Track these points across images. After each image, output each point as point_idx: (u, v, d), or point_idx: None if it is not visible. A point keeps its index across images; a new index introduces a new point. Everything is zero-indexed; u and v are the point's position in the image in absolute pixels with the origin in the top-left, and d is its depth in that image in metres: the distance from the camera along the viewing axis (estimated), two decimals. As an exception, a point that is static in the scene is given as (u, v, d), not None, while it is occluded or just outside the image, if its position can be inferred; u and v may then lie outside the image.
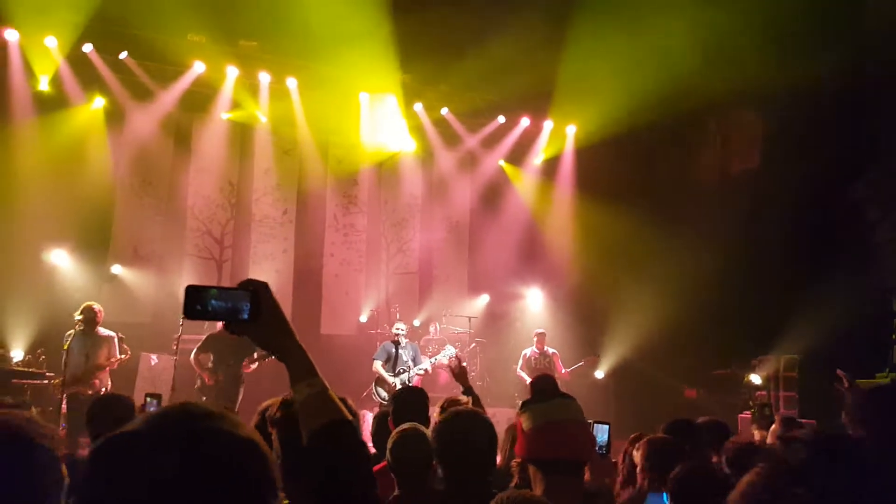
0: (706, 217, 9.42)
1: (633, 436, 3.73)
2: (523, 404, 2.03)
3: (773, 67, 8.94)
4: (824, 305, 7.47)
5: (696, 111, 9.61)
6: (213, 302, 1.09)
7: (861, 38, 8.27)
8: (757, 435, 5.46)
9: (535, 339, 8.71)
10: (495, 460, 2.25)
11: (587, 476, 1.92)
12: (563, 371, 8.47)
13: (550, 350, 8.69)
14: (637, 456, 3.07)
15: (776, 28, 8.95)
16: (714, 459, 3.37)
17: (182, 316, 1.11)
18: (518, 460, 3.28)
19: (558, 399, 1.98)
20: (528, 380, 8.24)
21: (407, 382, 7.63)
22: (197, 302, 1.09)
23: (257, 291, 1.10)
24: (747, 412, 7.59)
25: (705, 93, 9.24)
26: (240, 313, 1.09)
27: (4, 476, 0.93)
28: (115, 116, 9.44)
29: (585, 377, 9.04)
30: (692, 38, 8.91)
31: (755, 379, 8.31)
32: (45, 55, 8.76)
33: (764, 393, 8.16)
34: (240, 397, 6.91)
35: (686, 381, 9.26)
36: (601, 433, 2.80)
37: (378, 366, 7.92)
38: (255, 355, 6.82)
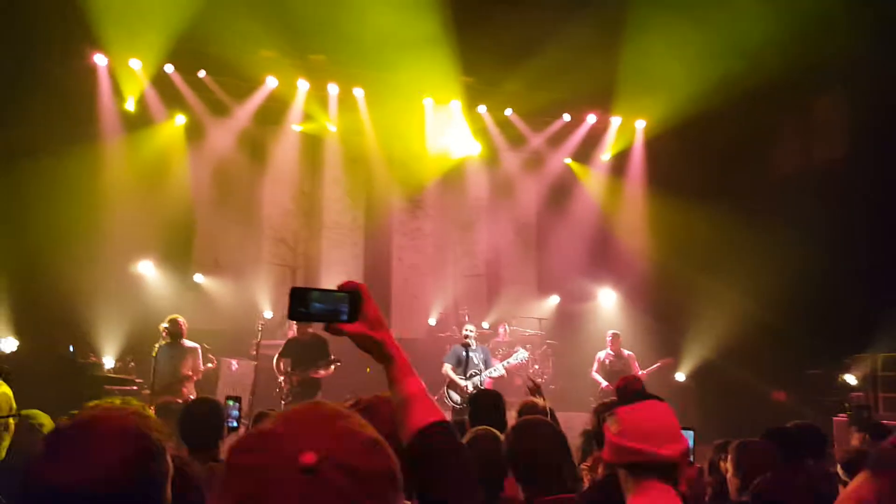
0: (789, 209, 8.97)
1: (717, 442, 3.57)
2: (611, 405, 1.99)
3: (856, 49, 8.45)
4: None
5: (775, 98, 9.17)
6: (315, 304, 1.12)
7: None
8: (855, 439, 5.16)
9: (609, 340, 8.48)
10: (566, 466, 2.19)
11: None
12: (640, 373, 8.23)
13: (626, 352, 8.44)
14: (725, 465, 2.95)
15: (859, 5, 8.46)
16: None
17: (286, 317, 1.16)
18: (588, 464, 3.22)
19: (648, 400, 1.90)
20: (604, 383, 8.08)
21: (479, 386, 7.60)
22: (300, 304, 1.12)
23: (357, 293, 1.13)
24: (843, 415, 7.16)
25: (784, 78, 8.83)
26: (340, 315, 1.11)
27: (119, 464, 0.98)
28: (195, 132, 9.92)
29: (665, 380, 8.73)
30: (766, 18, 8.50)
31: (850, 379, 7.83)
32: (131, 76, 9.31)
33: (861, 394, 7.68)
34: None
35: (773, 382, 8.82)
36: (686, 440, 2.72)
37: (448, 369, 7.91)
38: (324, 362, 6.99)
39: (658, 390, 8.25)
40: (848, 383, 7.78)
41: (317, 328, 7.05)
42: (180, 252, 9.86)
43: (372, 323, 1.12)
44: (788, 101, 9.47)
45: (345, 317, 1.12)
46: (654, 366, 8.58)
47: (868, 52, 8.17)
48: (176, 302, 9.06)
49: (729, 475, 2.88)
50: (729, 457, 2.93)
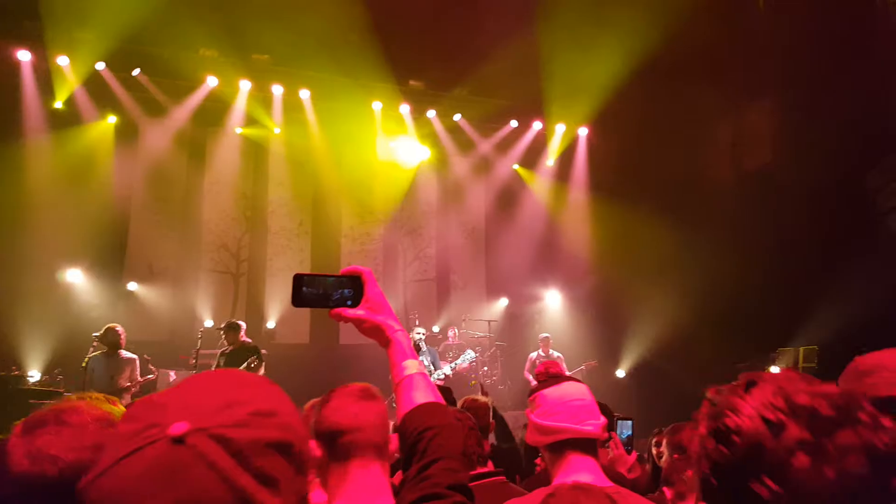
0: (721, 214, 9.49)
1: (655, 431, 3.75)
2: (531, 392, 2.03)
3: (784, 62, 9.09)
4: (841, 295, 7.54)
5: (707, 108, 9.70)
6: (318, 290, 1.10)
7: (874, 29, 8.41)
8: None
9: (541, 342, 8.75)
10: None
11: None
12: (567, 375, 8.48)
13: (555, 353, 8.73)
14: (660, 449, 3.09)
15: (785, 23, 9.11)
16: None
17: (291, 304, 1.11)
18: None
19: (565, 381, 1.93)
20: (534, 382, 8.27)
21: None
22: (303, 290, 1.09)
23: (359, 278, 1.11)
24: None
25: (715, 89, 9.37)
26: (344, 300, 1.10)
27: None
28: (128, 133, 9.45)
29: (605, 378, 9.04)
30: (699, 33, 9.01)
31: (774, 370, 8.32)
32: (59, 74, 8.77)
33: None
34: None
35: (707, 377, 9.25)
36: (625, 429, 2.79)
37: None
38: (252, 361, 6.81)
39: (598, 387, 8.56)
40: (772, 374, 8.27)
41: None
42: (112, 258, 9.33)
43: (374, 307, 1.11)
44: (720, 112, 10.04)
45: (349, 302, 1.10)
46: (580, 368, 8.89)
47: (789, 67, 8.80)
48: (108, 311, 8.59)
49: (664, 457, 3.00)
50: (664, 441, 3.03)
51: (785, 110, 9.40)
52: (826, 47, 8.73)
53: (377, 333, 1.12)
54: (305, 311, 10.31)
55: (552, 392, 1.85)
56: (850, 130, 8.57)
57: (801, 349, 8.57)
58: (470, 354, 8.21)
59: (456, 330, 9.72)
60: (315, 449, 0.75)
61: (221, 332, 6.86)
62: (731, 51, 9.23)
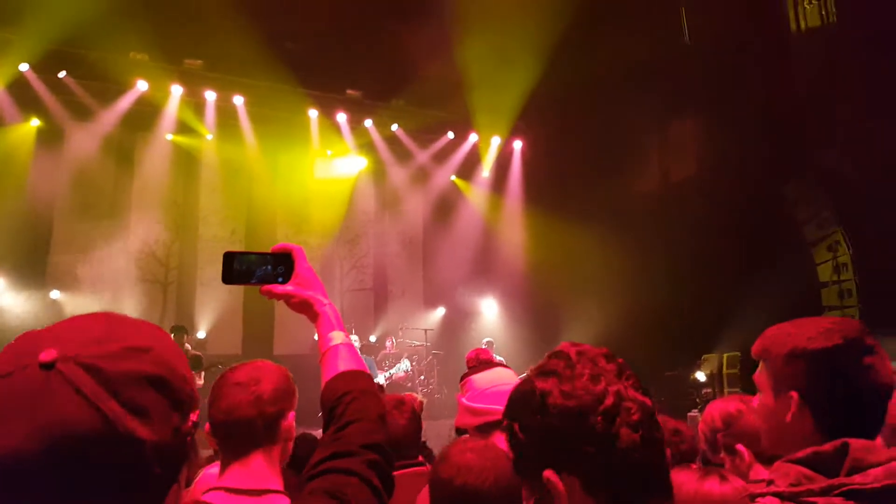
0: (649, 224, 9.76)
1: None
2: (462, 377, 2.06)
3: (706, 80, 9.51)
4: (761, 301, 7.81)
5: (636, 122, 10.03)
6: (251, 267, 1.11)
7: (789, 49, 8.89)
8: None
9: (484, 347, 8.76)
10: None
11: None
12: (496, 361, 8.55)
13: (498, 358, 8.76)
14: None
15: (708, 44, 9.55)
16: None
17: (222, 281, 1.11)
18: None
19: (494, 367, 2.01)
20: None
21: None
22: (234, 268, 1.10)
23: (291, 255, 1.12)
24: (695, 410, 7.79)
25: (644, 104, 9.72)
26: (276, 277, 1.11)
27: None
28: (53, 137, 9.16)
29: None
30: (627, 52, 9.36)
31: (700, 376, 8.57)
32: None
33: (710, 390, 8.40)
34: None
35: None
36: None
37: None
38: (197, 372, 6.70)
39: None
40: (698, 380, 8.49)
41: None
42: (33, 266, 8.98)
43: (303, 283, 1.12)
44: (647, 126, 10.40)
45: (280, 279, 1.11)
46: (523, 374, 8.93)
47: (712, 83, 9.20)
48: (29, 319, 8.25)
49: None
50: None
51: (709, 124, 9.79)
52: (747, 66, 9.19)
53: (306, 308, 1.13)
54: (238, 321, 10.11)
55: (482, 377, 1.91)
56: (769, 144, 8.99)
57: (725, 355, 8.83)
58: (405, 364, 8.19)
59: (393, 339, 9.68)
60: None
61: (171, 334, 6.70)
62: (658, 67, 9.60)
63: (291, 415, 1.46)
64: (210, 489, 1.38)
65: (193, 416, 0.70)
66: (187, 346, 6.81)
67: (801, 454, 1.10)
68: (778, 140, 8.93)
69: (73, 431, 0.58)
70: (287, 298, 1.12)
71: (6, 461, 0.58)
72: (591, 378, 0.85)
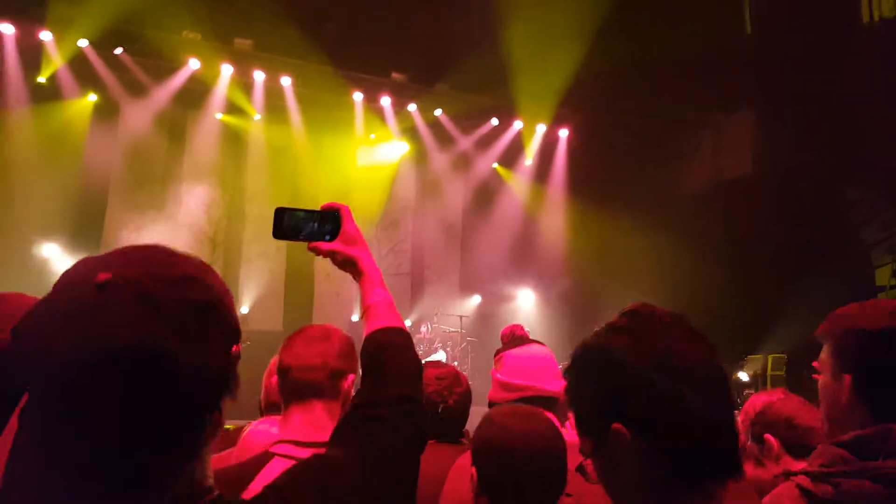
0: (699, 221, 9.48)
1: None
2: (497, 351, 2.05)
3: (765, 73, 9.11)
4: (811, 304, 7.50)
5: (689, 117, 9.71)
6: (300, 223, 1.15)
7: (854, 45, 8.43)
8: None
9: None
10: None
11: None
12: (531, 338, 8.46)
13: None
14: None
15: (768, 36, 9.13)
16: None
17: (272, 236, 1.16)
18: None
19: (529, 343, 2.01)
20: None
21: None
22: (283, 223, 1.14)
23: (337, 213, 1.16)
24: (736, 410, 7.58)
25: (698, 98, 9.38)
26: (324, 235, 1.15)
27: None
28: (109, 112, 9.47)
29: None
30: (683, 43, 9.03)
31: (742, 376, 8.34)
32: (42, 49, 8.81)
33: (751, 391, 8.17)
34: None
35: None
36: None
37: (367, 363, 7.86)
38: None
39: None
40: (741, 380, 8.26)
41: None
42: (89, 235, 9.34)
43: (349, 241, 1.16)
44: (701, 121, 10.05)
45: (328, 236, 1.15)
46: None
47: (776, 73, 8.80)
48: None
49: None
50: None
51: (765, 122, 9.40)
52: (808, 61, 8.75)
53: (350, 266, 1.17)
54: (279, 298, 10.33)
55: (517, 352, 1.93)
56: (830, 144, 8.58)
57: (770, 357, 8.56)
58: (440, 355, 8.21)
59: (429, 325, 9.72)
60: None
61: None
62: (714, 61, 9.23)
63: (352, 377, 1.51)
64: (278, 442, 1.43)
65: (236, 348, 0.73)
66: None
67: (844, 437, 1.10)
68: (840, 139, 8.51)
69: (119, 349, 0.61)
70: (332, 255, 1.15)
71: (60, 373, 0.61)
72: (662, 337, 0.85)
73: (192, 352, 0.64)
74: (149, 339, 0.62)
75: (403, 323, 1.15)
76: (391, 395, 0.99)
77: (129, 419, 0.62)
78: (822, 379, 1.25)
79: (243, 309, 10.09)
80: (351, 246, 1.15)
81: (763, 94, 9.27)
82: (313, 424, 1.43)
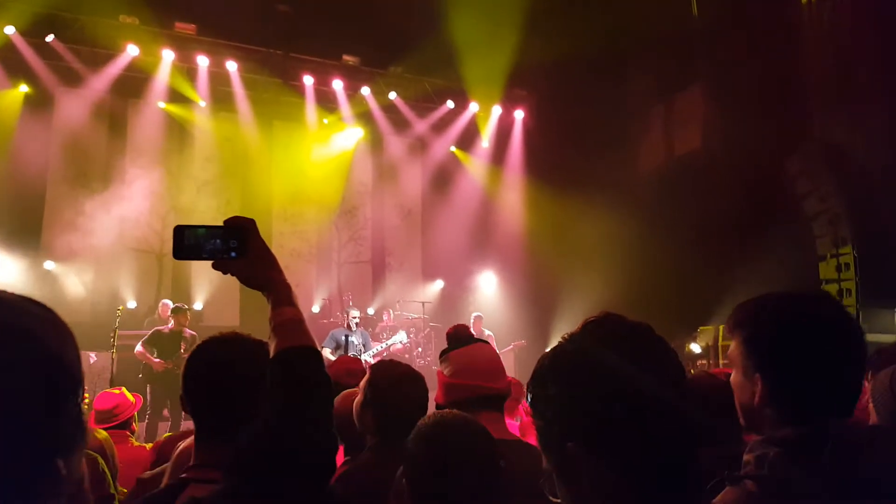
0: (650, 197, 9.67)
1: None
2: (442, 353, 2.04)
3: (712, 50, 9.30)
4: (760, 275, 7.78)
5: (641, 95, 9.85)
6: (199, 241, 1.09)
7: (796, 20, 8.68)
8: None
9: (472, 321, 8.75)
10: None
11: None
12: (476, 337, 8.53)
13: (487, 332, 8.77)
14: None
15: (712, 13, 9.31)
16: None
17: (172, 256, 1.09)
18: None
19: (474, 342, 2.00)
20: None
21: (359, 369, 7.50)
22: (185, 242, 1.08)
23: (244, 229, 1.10)
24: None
25: (650, 78, 9.52)
26: (229, 251, 1.08)
27: None
28: (42, 103, 8.94)
29: (535, 355, 9.11)
30: (633, 23, 9.13)
31: (695, 348, 8.61)
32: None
33: (704, 362, 8.44)
34: None
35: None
36: None
37: (328, 353, 7.74)
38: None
39: (527, 365, 8.64)
40: (693, 352, 8.53)
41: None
42: (27, 236, 8.86)
43: (255, 257, 1.10)
44: (652, 99, 10.21)
45: (233, 253, 1.08)
46: (509, 347, 8.96)
47: (721, 49, 8.99)
48: (24, 291, 8.10)
49: None
50: None
51: (713, 97, 9.62)
52: (750, 37, 8.98)
53: (258, 284, 1.11)
54: (235, 293, 10.05)
55: (462, 352, 1.92)
56: (775, 118, 8.84)
57: (721, 327, 8.85)
58: (401, 336, 8.16)
59: (391, 312, 9.65)
60: None
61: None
62: (663, 39, 9.37)
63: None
64: (192, 466, 1.35)
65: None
66: (186, 330, 6.83)
67: (780, 434, 1.06)
68: (784, 113, 8.78)
69: None
70: (238, 273, 1.10)
71: None
72: (622, 354, 0.81)
73: None
74: None
75: (313, 341, 1.10)
76: (286, 425, 0.99)
77: None
78: (732, 376, 1.18)
79: (197, 305, 9.79)
80: (257, 263, 1.10)
81: (710, 70, 9.48)
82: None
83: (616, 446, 0.77)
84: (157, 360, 6.69)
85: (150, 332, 6.97)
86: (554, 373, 0.85)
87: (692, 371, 8.02)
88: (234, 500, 0.95)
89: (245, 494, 0.95)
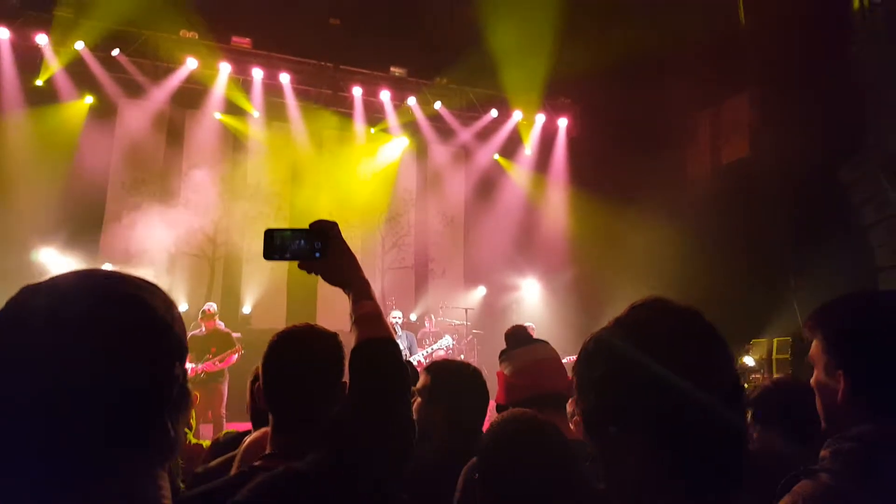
0: (699, 206, 9.53)
1: None
2: (502, 353, 2.05)
3: (761, 57, 9.19)
4: (815, 286, 7.57)
5: (687, 103, 9.77)
6: (288, 244, 1.16)
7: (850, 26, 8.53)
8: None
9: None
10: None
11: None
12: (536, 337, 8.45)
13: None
14: None
15: (763, 18, 9.21)
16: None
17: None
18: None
19: (534, 343, 2.03)
20: None
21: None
22: (274, 244, 1.16)
23: (328, 231, 1.16)
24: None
25: (695, 84, 9.45)
26: (313, 252, 1.15)
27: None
28: (106, 113, 9.40)
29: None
30: (679, 30, 9.10)
31: (748, 361, 8.38)
32: (40, 53, 8.75)
33: (758, 376, 8.22)
34: (225, 388, 6.92)
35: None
36: None
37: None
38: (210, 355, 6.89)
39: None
40: (747, 365, 8.30)
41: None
42: (87, 238, 9.26)
43: (340, 257, 1.17)
44: (699, 107, 10.11)
45: (317, 254, 1.15)
46: (566, 360, 8.83)
47: (772, 56, 8.88)
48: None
49: None
50: None
51: (762, 105, 9.47)
52: (802, 43, 8.84)
53: (340, 282, 1.18)
54: (282, 297, 10.28)
55: (522, 352, 1.94)
56: (824, 125, 8.65)
57: (775, 340, 8.61)
58: (447, 340, 8.18)
59: (433, 318, 9.70)
60: None
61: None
62: (710, 46, 9.31)
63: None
64: (265, 456, 1.38)
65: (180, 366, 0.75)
66: (219, 323, 6.99)
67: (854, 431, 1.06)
68: (837, 122, 8.59)
69: None
70: (325, 272, 1.16)
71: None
72: (667, 338, 0.81)
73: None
74: None
75: (392, 333, 1.16)
76: (370, 409, 1.03)
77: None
78: (815, 375, 1.18)
79: (245, 308, 10.03)
80: (340, 262, 1.16)
81: (759, 76, 9.35)
82: None
83: (657, 433, 0.77)
84: (190, 365, 6.84)
85: (188, 335, 7.14)
86: (598, 356, 0.85)
87: (746, 385, 7.83)
88: (322, 470, 0.98)
89: (332, 465, 0.99)
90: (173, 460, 0.73)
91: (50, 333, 0.66)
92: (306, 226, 1.16)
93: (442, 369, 2.01)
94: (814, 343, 1.20)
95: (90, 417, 0.64)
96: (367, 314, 1.13)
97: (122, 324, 0.69)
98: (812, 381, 1.20)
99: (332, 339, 1.46)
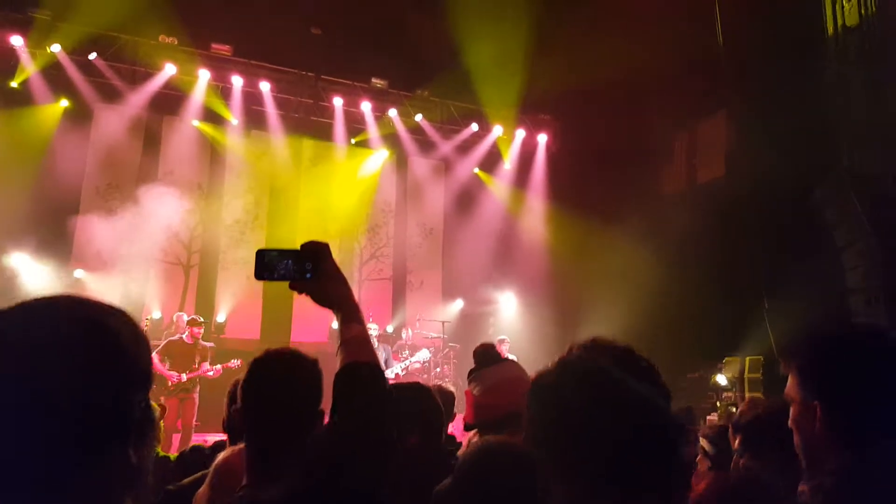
0: (674, 225, 9.61)
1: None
2: (471, 372, 2.04)
3: (738, 80, 9.33)
4: (787, 308, 7.65)
5: (664, 123, 9.88)
6: (279, 264, 1.15)
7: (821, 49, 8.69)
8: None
9: (498, 344, 8.70)
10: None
11: None
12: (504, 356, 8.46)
13: (510, 356, 8.70)
14: None
15: (739, 42, 9.36)
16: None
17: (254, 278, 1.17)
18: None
19: (503, 362, 2.03)
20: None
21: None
22: (265, 265, 1.15)
23: (319, 252, 1.16)
24: (715, 414, 7.69)
25: (673, 105, 9.57)
26: (304, 273, 1.15)
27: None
28: (82, 117, 9.27)
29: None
30: (657, 51, 9.21)
31: (721, 380, 8.44)
32: (14, 54, 8.62)
33: (731, 394, 8.28)
34: (197, 396, 6.83)
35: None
36: None
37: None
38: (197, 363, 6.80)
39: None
40: (719, 384, 8.36)
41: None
42: (59, 244, 9.10)
43: (331, 279, 1.16)
44: (675, 127, 10.23)
45: (308, 275, 1.15)
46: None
47: (747, 78, 9.01)
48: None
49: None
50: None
51: (738, 126, 9.61)
52: (777, 66, 8.99)
53: (329, 304, 1.17)
54: (257, 307, 10.18)
55: (492, 371, 1.92)
56: (798, 146, 8.79)
57: (747, 359, 8.68)
58: (424, 354, 8.15)
59: (409, 330, 9.67)
60: None
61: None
62: (687, 67, 9.43)
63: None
64: (244, 487, 1.37)
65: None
66: (201, 343, 6.89)
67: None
68: (810, 143, 8.73)
69: None
70: (315, 293, 1.15)
71: None
72: (601, 375, 0.86)
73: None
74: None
75: (376, 358, 1.16)
76: (350, 432, 1.03)
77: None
78: (791, 414, 1.18)
79: (220, 317, 9.92)
80: (330, 283, 1.16)
81: (735, 97, 9.49)
82: None
83: (595, 458, 0.82)
84: (171, 372, 6.71)
85: (164, 342, 6.98)
86: (538, 396, 0.92)
87: (718, 403, 7.87)
88: (312, 495, 0.99)
89: (317, 490, 1.00)
90: (138, 489, 0.71)
91: (11, 358, 0.65)
92: (287, 239, 1.19)
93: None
94: (789, 378, 1.20)
95: (47, 444, 0.63)
96: (355, 338, 1.14)
97: (87, 351, 0.68)
98: (790, 421, 1.20)
99: (313, 366, 1.47)
